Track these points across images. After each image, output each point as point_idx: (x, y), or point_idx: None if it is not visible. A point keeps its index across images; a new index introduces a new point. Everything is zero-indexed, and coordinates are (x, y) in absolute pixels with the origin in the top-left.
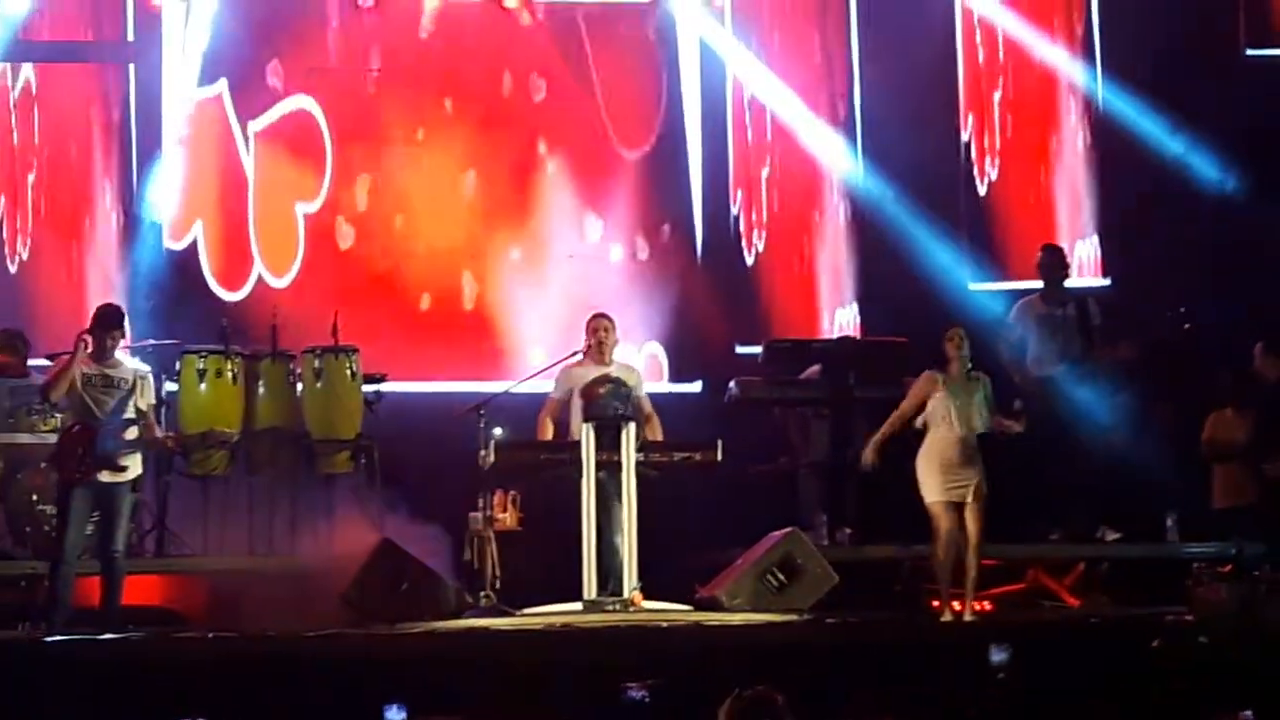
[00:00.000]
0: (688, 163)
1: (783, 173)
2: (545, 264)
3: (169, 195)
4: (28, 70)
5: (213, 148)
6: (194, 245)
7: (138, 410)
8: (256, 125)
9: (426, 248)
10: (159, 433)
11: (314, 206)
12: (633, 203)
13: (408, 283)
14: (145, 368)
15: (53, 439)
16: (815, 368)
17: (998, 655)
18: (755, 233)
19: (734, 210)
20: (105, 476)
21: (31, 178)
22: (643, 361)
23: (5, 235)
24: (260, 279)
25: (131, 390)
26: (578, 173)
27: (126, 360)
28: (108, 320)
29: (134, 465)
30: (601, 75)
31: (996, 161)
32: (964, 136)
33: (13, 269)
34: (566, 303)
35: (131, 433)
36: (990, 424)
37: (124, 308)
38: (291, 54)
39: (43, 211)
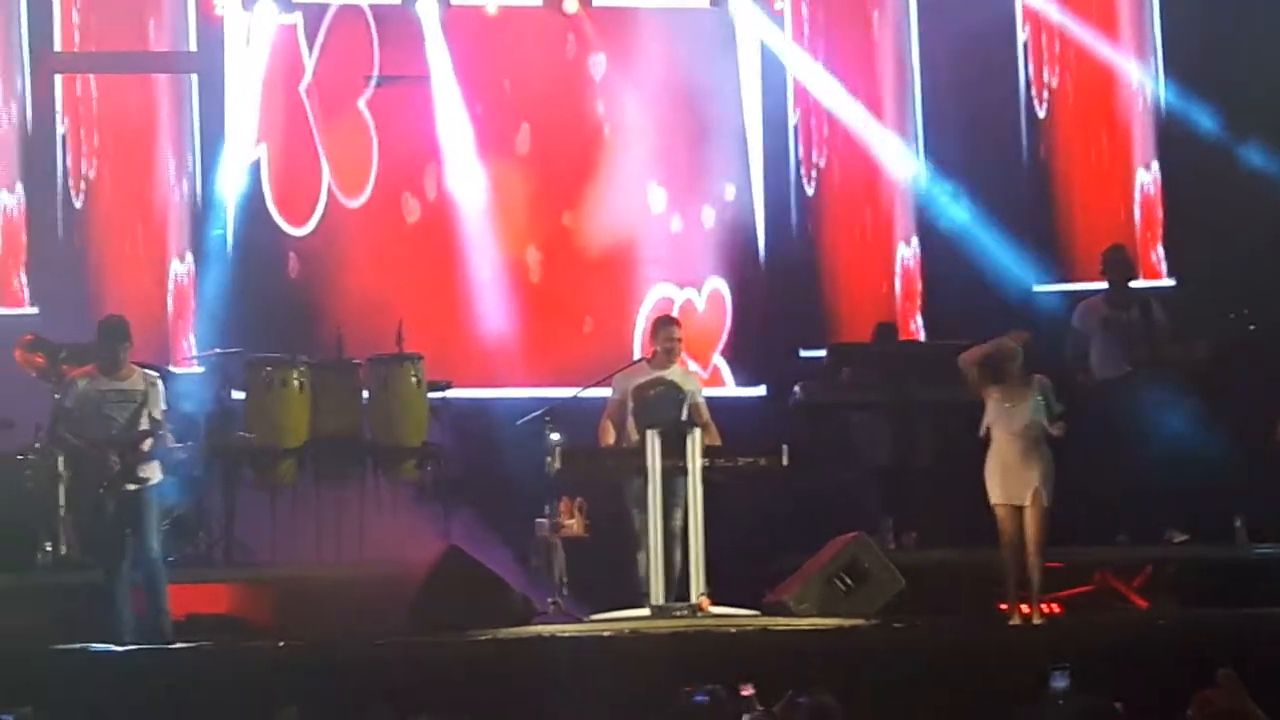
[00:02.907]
0: (749, 168)
1: (844, 176)
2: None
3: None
4: (93, 81)
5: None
6: (256, 166)
7: (151, 419)
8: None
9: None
10: (170, 440)
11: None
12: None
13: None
14: (154, 374)
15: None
16: (867, 370)
17: (1059, 682)
18: (817, 236)
19: (795, 214)
20: (130, 487)
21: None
22: (704, 300)
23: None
24: (329, 204)
25: (145, 401)
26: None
27: (136, 370)
28: (115, 332)
29: (153, 473)
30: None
31: (1059, 162)
32: (1026, 139)
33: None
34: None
35: (148, 443)
36: (1052, 427)
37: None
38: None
39: (109, 223)
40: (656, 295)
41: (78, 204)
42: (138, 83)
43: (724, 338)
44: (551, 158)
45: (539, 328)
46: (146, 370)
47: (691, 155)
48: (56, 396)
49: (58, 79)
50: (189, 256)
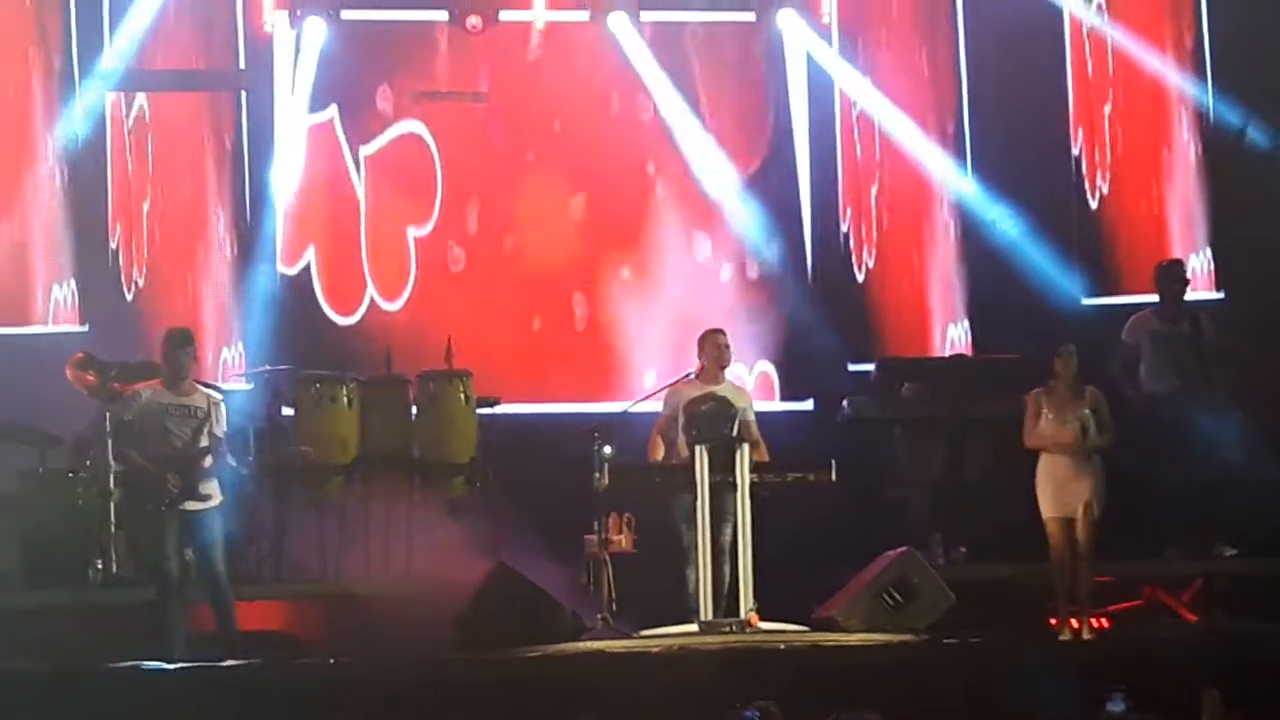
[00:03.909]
0: (797, 182)
1: (892, 190)
2: (657, 283)
3: (282, 221)
4: (141, 98)
5: (324, 172)
6: (307, 269)
7: (212, 437)
8: (367, 149)
9: (537, 270)
10: (230, 459)
11: (425, 230)
12: (742, 221)
13: (519, 305)
14: (218, 395)
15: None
16: (915, 385)
17: (1116, 705)
18: (865, 250)
19: (844, 228)
20: (191, 506)
21: (146, 205)
22: (754, 380)
23: (122, 263)
24: (373, 302)
25: (207, 418)
26: (686, 192)
27: (200, 387)
28: (180, 341)
29: (215, 491)
30: (708, 95)
31: (1108, 175)
32: (1074, 149)
33: (129, 297)
34: (678, 323)
35: (209, 460)
36: (1103, 440)
37: (238, 333)
38: (401, 78)
39: (158, 240)
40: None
41: (126, 224)
42: (188, 101)
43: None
44: (594, 142)
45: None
46: (210, 389)
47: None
48: (116, 412)
49: (108, 96)
50: (239, 272)
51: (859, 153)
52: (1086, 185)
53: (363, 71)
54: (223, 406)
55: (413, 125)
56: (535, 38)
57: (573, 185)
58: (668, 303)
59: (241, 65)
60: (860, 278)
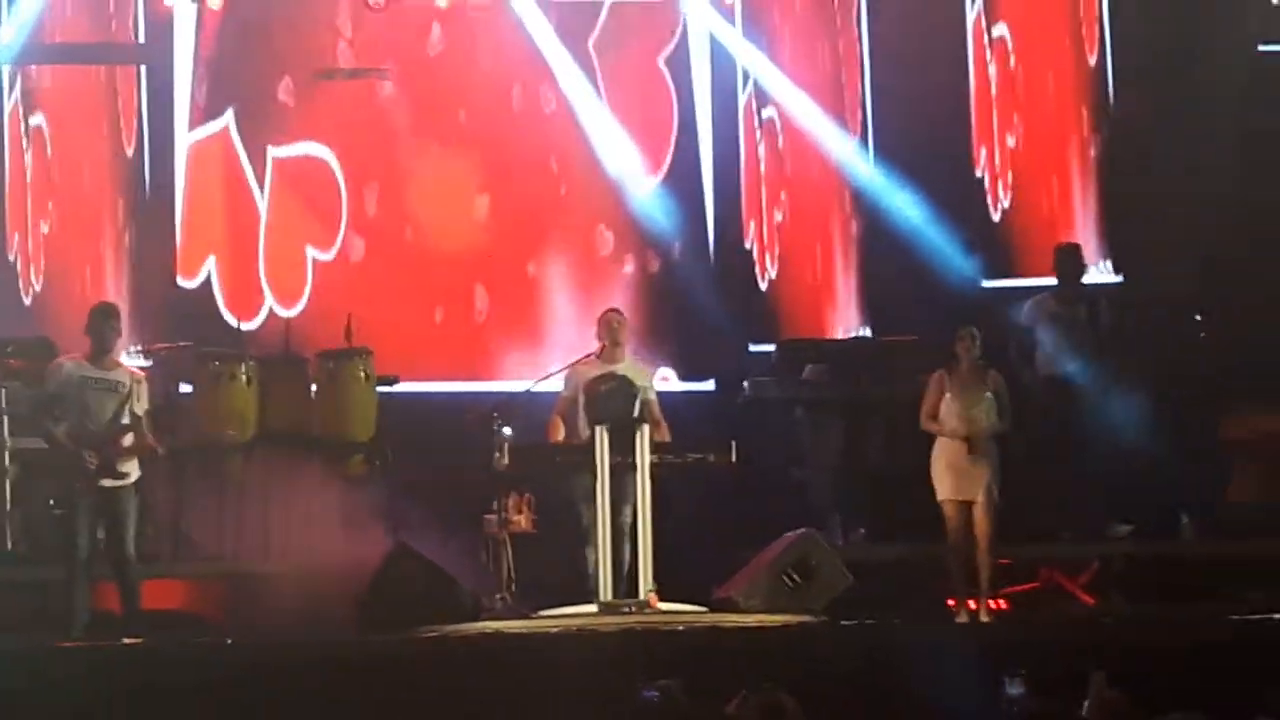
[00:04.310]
0: (700, 170)
1: (795, 175)
2: (558, 276)
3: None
4: (35, 87)
5: (220, 183)
6: (207, 281)
7: (133, 415)
8: (276, 152)
9: (437, 259)
10: (150, 440)
11: (327, 255)
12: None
13: (419, 295)
14: (141, 372)
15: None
16: (814, 367)
17: (1013, 689)
18: (768, 236)
19: (746, 214)
20: (107, 482)
21: (46, 210)
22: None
23: (19, 268)
24: (271, 310)
25: (129, 394)
26: (590, 185)
27: (125, 362)
28: (104, 311)
29: (133, 469)
30: (613, 81)
31: (1009, 166)
32: (975, 132)
33: (27, 301)
34: (580, 315)
35: (128, 438)
36: (1002, 424)
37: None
38: (302, 69)
39: (56, 242)
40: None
41: (21, 198)
42: (86, 75)
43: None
44: (499, 121)
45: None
46: (133, 366)
47: (640, 132)
48: (17, 388)
49: (3, 71)
50: (134, 247)
51: (761, 137)
52: (989, 174)
53: (262, 63)
54: (145, 384)
55: (317, 149)
56: (435, 30)
57: (476, 180)
58: (569, 295)
59: (140, 39)
60: (764, 263)
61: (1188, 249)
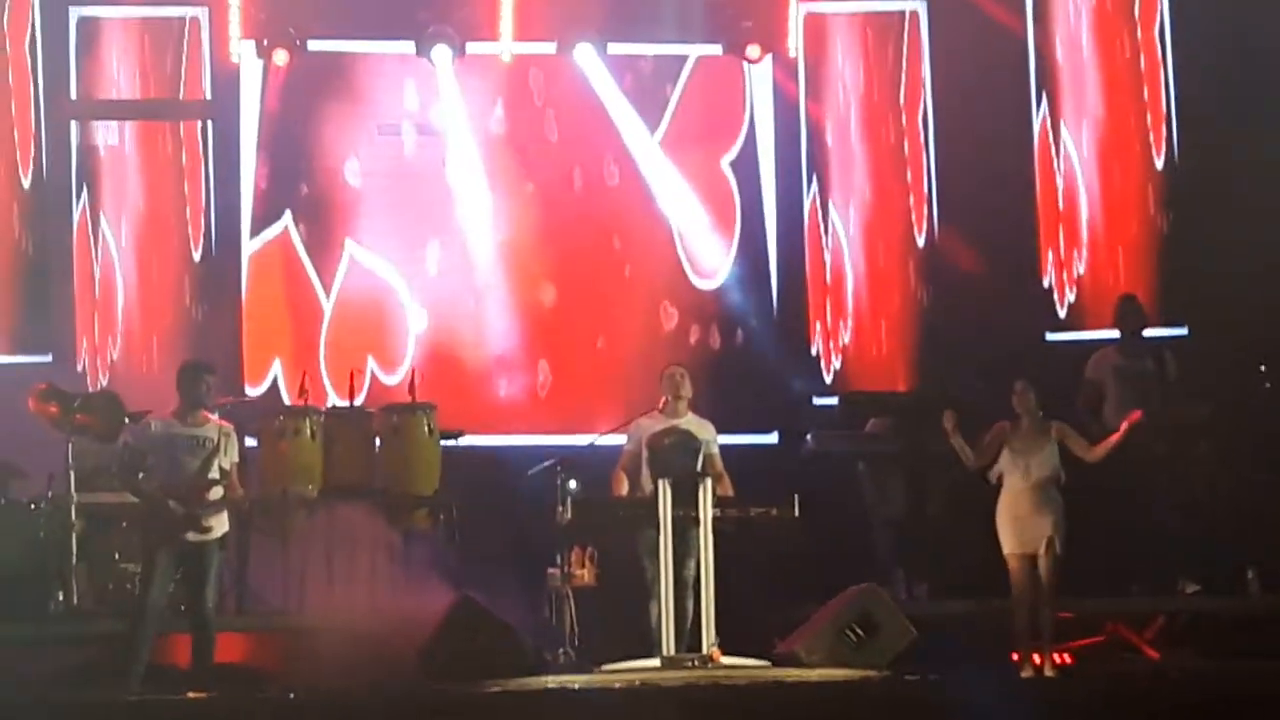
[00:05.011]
0: (765, 236)
1: (859, 224)
2: (622, 351)
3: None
4: (110, 137)
5: (283, 284)
6: (274, 385)
7: (221, 470)
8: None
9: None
10: (239, 492)
11: (391, 378)
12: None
13: (484, 371)
14: (229, 426)
15: (132, 499)
16: (877, 420)
17: None
18: (838, 324)
19: (807, 266)
20: (192, 536)
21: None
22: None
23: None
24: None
25: (216, 449)
26: (656, 262)
27: (211, 418)
28: (199, 369)
29: (219, 524)
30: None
31: (1073, 210)
32: (1039, 186)
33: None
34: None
35: (216, 492)
36: (1088, 455)
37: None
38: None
39: (128, 276)
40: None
41: (92, 253)
42: (154, 130)
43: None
44: (562, 181)
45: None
46: (222, 421)
47: (704, 190)
48: (125, 442)
49: (73, 126)
50: (205, 302)
51: (827, 188)
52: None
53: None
54: (233, 438)
55: (382, 266)
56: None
57: (541, 264)
58: (633, 366)
59: (208, 95)
60: (827, 314)
61: (1253, 301)
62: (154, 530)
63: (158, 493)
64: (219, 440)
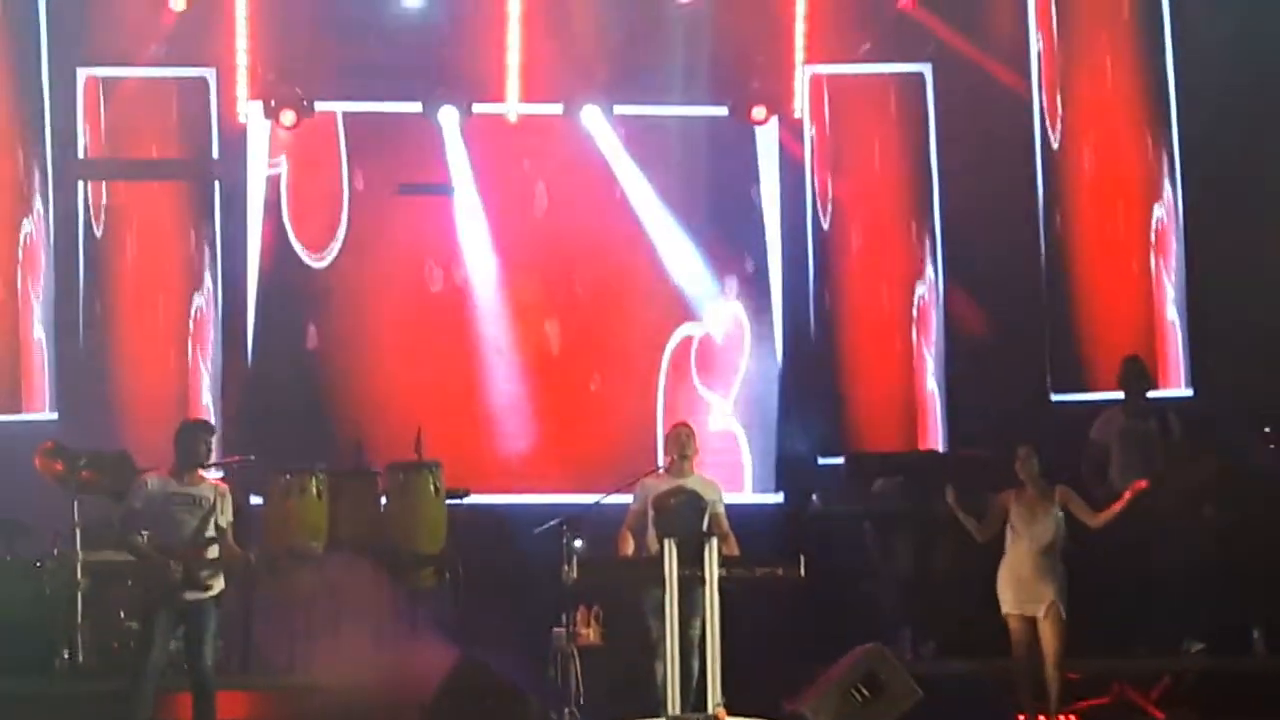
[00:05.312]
0: (769, 286)
1: (863, 281)
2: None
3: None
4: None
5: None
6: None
7: (217, 528)
8: None
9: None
10: (237, 552)
11: None
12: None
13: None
14: (224, 484)
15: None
16: (884, 480)
17: None
18: (839, 351)
19: (814, 329)
20: (190, 595)
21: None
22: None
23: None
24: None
25: (213, 508)
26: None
27: (207, 477)
28: (199, 429)
29: (217, 583)
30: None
31: (1078, 270)
32: (1044, 246)
33: (103, 386)
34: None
35: (213, 551)
36: (1092, 520)
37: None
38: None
39: (132, 330)
40: (677, 338)
41: (99, 309)
42: (161, 188)
43: (745, 359)
44: (567, 233)
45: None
46: (218, 480)
47: (710, 239)
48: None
49: (81, 185)
50: (211, 362)
51: (829, 247)
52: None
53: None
54: (229, 498)
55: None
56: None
57: (544, 304)
58: (641, 414)
59: (215, 155)
60: (831, 370)
61: (1260, 363)
62: (152, 589)
63: (155, 552)
64: (215, 500)
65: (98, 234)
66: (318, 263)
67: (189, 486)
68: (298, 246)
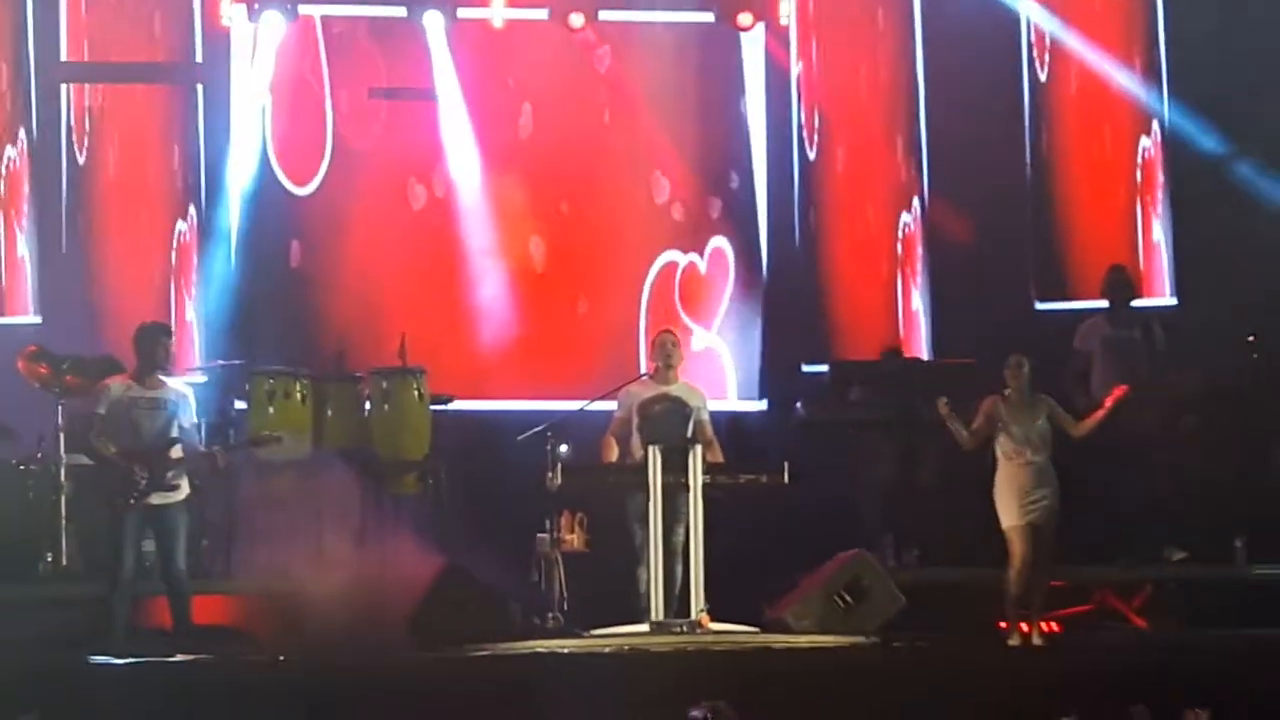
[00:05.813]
0: (754, 187)
1: (849, 192)
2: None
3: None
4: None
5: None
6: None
7: (181, 429)
8: None
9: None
10: (201, 449)
11: None
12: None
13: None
14: (186, 388)
15: None
16: (865, 387)
17: None
18: (823, 255)
19: (798, 235)
20: (156, 499)
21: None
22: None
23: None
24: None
25: (176, 410)
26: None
27: (169, 381)
28: (157, 331)
29: (184, 486)
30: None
31: (1061, 180)
32: (1029, 157)
33: (85, 289)
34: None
35: (176, 452)
36: (1075, 430)
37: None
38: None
39: (115, 233)
40: (661, 262)
41: (82, 215)
42: (144, 93)
43: (728, 292)
44: (553, 148)
45: (543, 320)
46: (178, 383)
47: (695, 152)
48: (80, 406)
49: (64, 89)
50: (194, 267)
51: (815, 157)
52: (1042, 189)
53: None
54: (191, 398)
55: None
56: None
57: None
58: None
59: (198, 59)
60: (815, 278)
61: (1248, 275)
62: (118, 495)
63: (118, 457)
64: (177, 401)
65: (83, 145)
66: (302, 190)
67: (150, 390)
68: (280, 175)
